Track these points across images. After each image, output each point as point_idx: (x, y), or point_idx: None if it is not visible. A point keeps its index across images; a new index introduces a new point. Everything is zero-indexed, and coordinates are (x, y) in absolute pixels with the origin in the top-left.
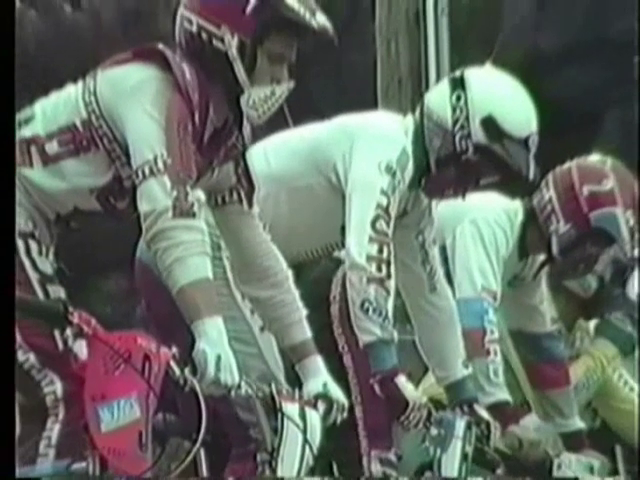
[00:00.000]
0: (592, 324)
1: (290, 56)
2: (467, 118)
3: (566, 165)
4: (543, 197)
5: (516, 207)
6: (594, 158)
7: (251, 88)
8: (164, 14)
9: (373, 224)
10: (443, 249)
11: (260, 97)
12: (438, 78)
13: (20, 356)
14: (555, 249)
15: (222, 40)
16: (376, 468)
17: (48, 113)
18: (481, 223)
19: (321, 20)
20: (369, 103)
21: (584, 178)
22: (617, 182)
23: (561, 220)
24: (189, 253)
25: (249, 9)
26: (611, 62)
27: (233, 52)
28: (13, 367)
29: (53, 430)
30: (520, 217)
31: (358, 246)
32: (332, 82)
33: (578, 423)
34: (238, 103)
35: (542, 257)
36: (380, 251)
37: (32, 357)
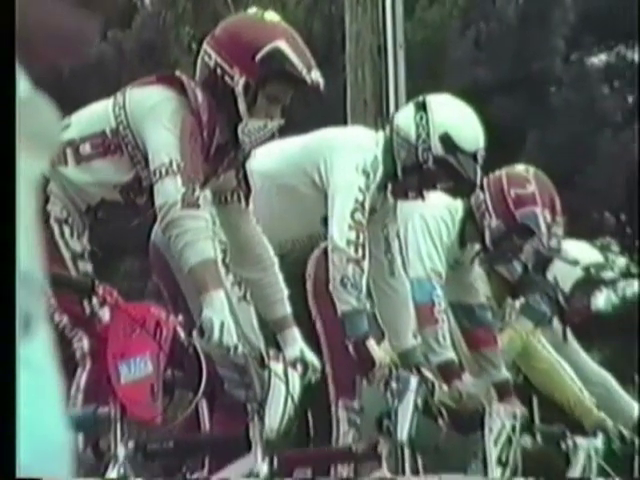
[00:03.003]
0: (518, 303)
1: (285, 100)
2: (428, 135)
3: (497, 172)
4: (479, 198)
5: (457, 205)
6: (519, 167)
7: (248, 120)
8: (174, 47)
9: (352, 215)
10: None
11: (255, 128)
12: (396, 100)
13: (56, 318)
14: (488, 240)
15: (232, 78)
16: (342, 414)
17: (83, 121)
18: (428, 218)
19: (315, 76)
20: (340, 120)
21: (511, 183)
22: (537, 186)
23: (493, 217)
24: (196, 238)
25: (258, 57)
26: (533, 93)
27: (239, 89)
28: (14, 367)
29: (81, 378)
30: (460, 213)
31: (340, 232)
32: (310, 103)
33: (505, 374)
34: (236, 129)
35: (477, 246)
36: (357, 237)
37: (65, 319)
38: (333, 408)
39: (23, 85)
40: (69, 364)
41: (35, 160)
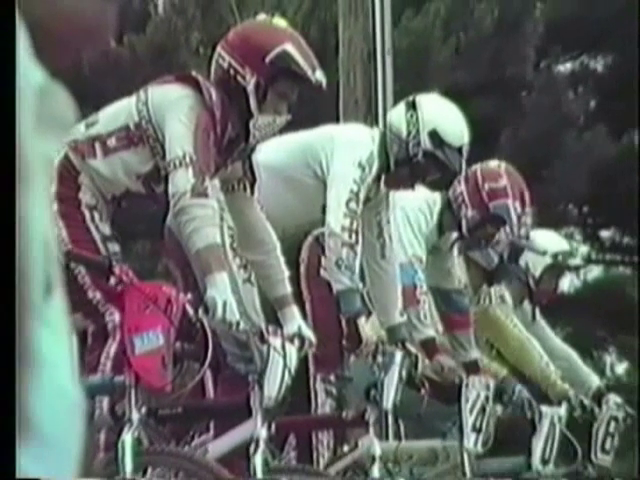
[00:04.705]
0: (493, 289)
1: (292, 97)
2: (418, 131)
3: (473, 167)
4: (456, 190)
5: (435, 197)
6: (493, 163)
7: (259, 115)
8: (184, 50)
9: (347, 204)
10: None
11: (264, 123)
12: (384, 100)
13: (90, 294)
14: (464, 229)
15: (244, 77)
16: (320, 386)
17: (108, 117)
18: (408, 209)
19: (319, 76)
20: (332, 119)
21: (485, 177)
22: (509, 181)
23: (469, 207)
24: (203, 224)
25: (267, 59)
26: (506, 96)
27: (250, 88)
28: (13, 367)
29: (111, 347)
30: (438, 205)
31: (335, 220)
32: (305, 101)
33: (475, 354)
34: (247, 124)
35: (455, 234)
36: (351, 224)
37: (98, 295)
38: (311, 381)
39: (40, 75)
40: (101, 335)
41: (50, 142)
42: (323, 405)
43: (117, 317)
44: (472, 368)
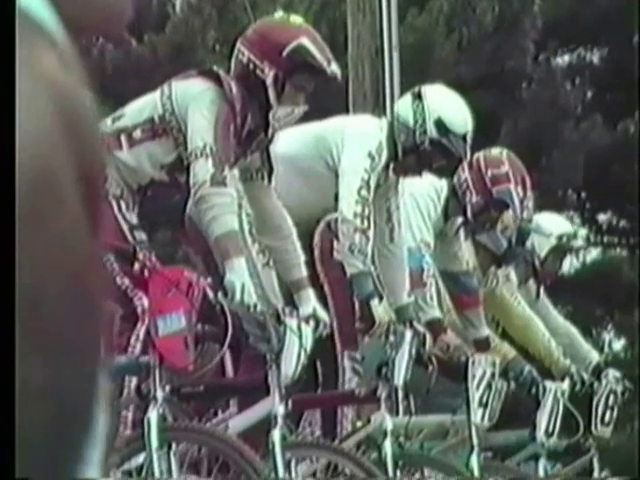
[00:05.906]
0: (500, 271)
1: (309, 88)
2: (424, 120)
3: (476, 155)
4: (461, 177)
5: (442, 184)
6: (495, 150)
7: (278, 107)
8: (201, 48)
9: (359, 191)
10: None
11: (283, 114)
12: (391, 94)
13: (118, 280)
14: (469, 213)
15: (263, 71)
16: (347, 364)
17: (134, 111)
18: (417, 195)
19: (334, 68)
20: (342, 111)
21: (488, 164)
22: (510, 167)
23: (473, 193)
24: (222, 212)
25: (285, 53)
26: (507, 88)
27: (269, 80)
28: (13, 366)
29: (140, 330)
30: (445, 191)
31: (348, 206)
32: (317, 95)
33: (485, 331)
34: (266, 116)
35: (460, 219)
36: (363, 210)
37: (126, 281)
38: (339, 358)
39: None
40: (131, 318)
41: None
42: (350, 381)
43: (145, 301)
44: (483, 345)
